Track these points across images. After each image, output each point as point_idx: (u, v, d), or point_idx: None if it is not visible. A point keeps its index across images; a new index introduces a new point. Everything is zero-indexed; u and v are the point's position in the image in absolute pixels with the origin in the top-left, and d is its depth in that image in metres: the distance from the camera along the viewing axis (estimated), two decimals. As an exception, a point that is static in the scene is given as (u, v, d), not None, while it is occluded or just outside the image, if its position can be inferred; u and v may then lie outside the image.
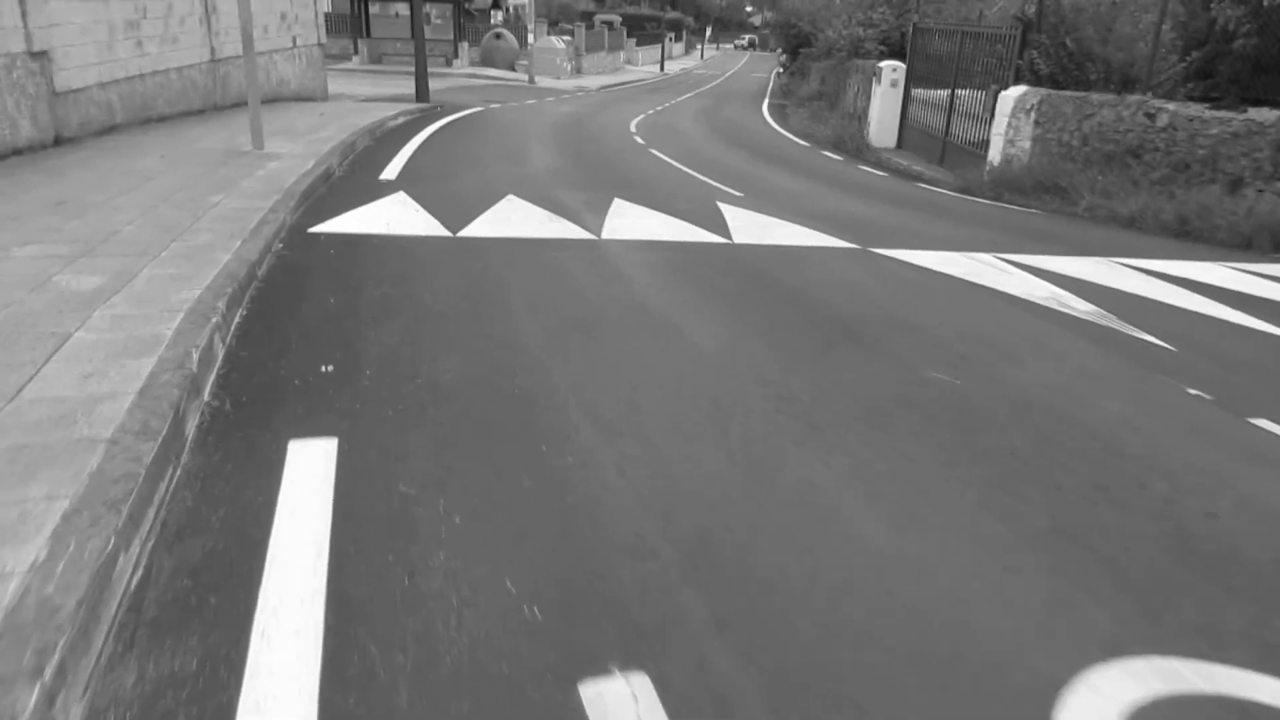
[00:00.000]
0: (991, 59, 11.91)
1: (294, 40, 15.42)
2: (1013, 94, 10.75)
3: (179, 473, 2.72)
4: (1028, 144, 10.57)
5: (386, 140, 11.57)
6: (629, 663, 2.03)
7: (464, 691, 1.91)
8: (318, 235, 5.94)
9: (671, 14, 64.90)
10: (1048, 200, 9.67)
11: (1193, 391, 3.99)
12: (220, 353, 3.66)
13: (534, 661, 2.02)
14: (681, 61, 57.93)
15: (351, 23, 31.00)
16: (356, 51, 30.35)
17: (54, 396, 2.80)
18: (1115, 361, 4.39)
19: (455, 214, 6.81)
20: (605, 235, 6.51)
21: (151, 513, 2.41)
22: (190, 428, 2.97)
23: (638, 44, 50.12)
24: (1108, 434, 3.47)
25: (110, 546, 2.05)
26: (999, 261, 6.46)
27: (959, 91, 12.76)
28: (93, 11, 8.72)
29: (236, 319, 4.11)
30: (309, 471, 2.79)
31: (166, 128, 10.01)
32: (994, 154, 11.07)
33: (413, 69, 18.05)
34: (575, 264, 5.61)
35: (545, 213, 7.20)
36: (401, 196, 7.46)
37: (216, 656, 1.96)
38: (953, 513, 2.81)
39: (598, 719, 1.86)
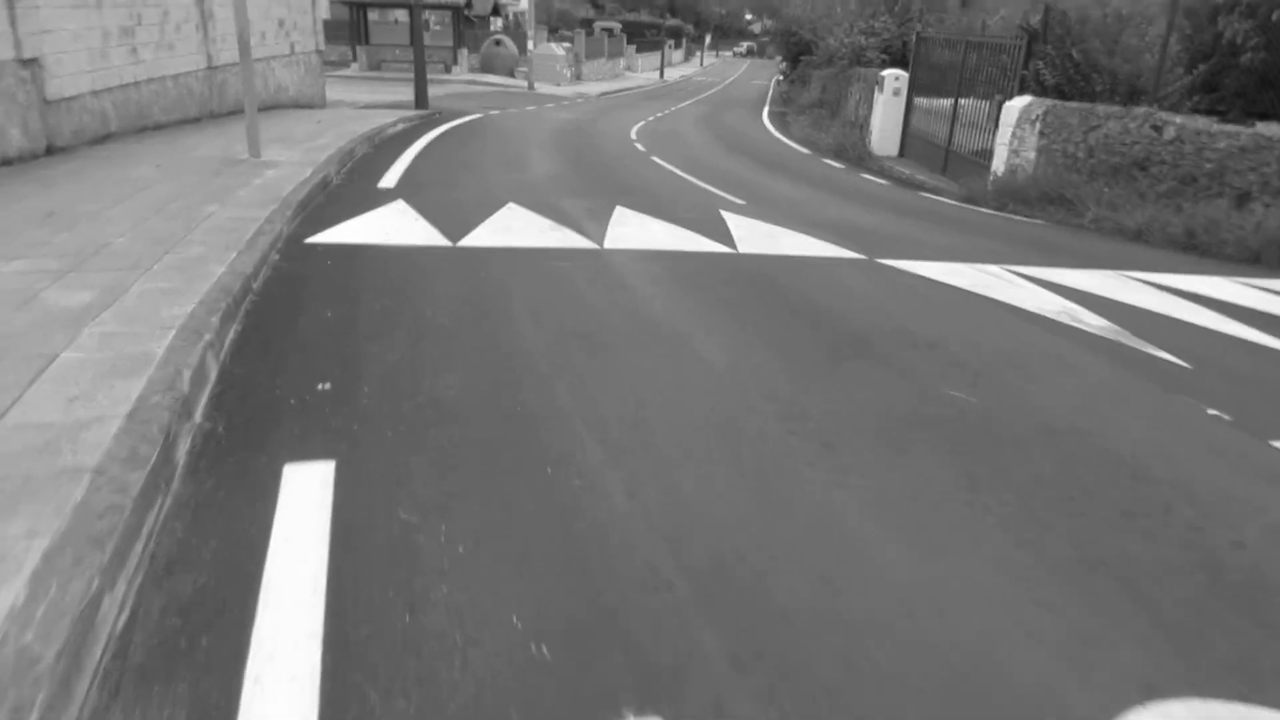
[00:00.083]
0: (995, 69, 11.84)
1: (292, 47, 15.33)
2: (1017, 104, 10.67)
3: (168, 501, 2.60)
4: (1032, 154, 10.49)
5: (385, 147, 11.47)
6: (644, 706, 1.93)
7: (469, 743, 1.80)
8: (315, 246, 5.83)
9: (671, 21, 64.98)
10: (1053, 211, 9.59)
11: (1212, 412, 3.88)
12: (213, 371, 3.54)
13: (544, 706, 1.91)
14: (681, 68, 58.01)
15: (350, 29, 30.94)
16: (355, 58, 30.30)
17: (38, 422, 2.68)
18: (1133, 380, 4.28)
19: (455, 222, 6.70)
20: (608, 245, 6.41)
21: (139, 546, 2.29)
22: (181, 452, 2.85)
23: (637, 51, 50.21)
24: (1130, 457, 3.36)
25: (94, 588, 1.93)
26: (1008, 273, 6.36)
27: (962, 101, 12.70)
28: (85, 18, 8.60)
29: (231, 335, 3.99)
30: (305, 498, 2.67)
31: (162, 136, 9.90)
32: (998, 164, 10.99)
33: (411, 76, 17.99)
34: (578, 274, 5.51)
35: (547, 221, 7.10)
36: (401, 205, 7.36)
37: (207, 705, 1.84)
38: (976, 540, 2.70)
39: (613, 772, 1.75)
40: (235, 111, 12.24)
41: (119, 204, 6.04)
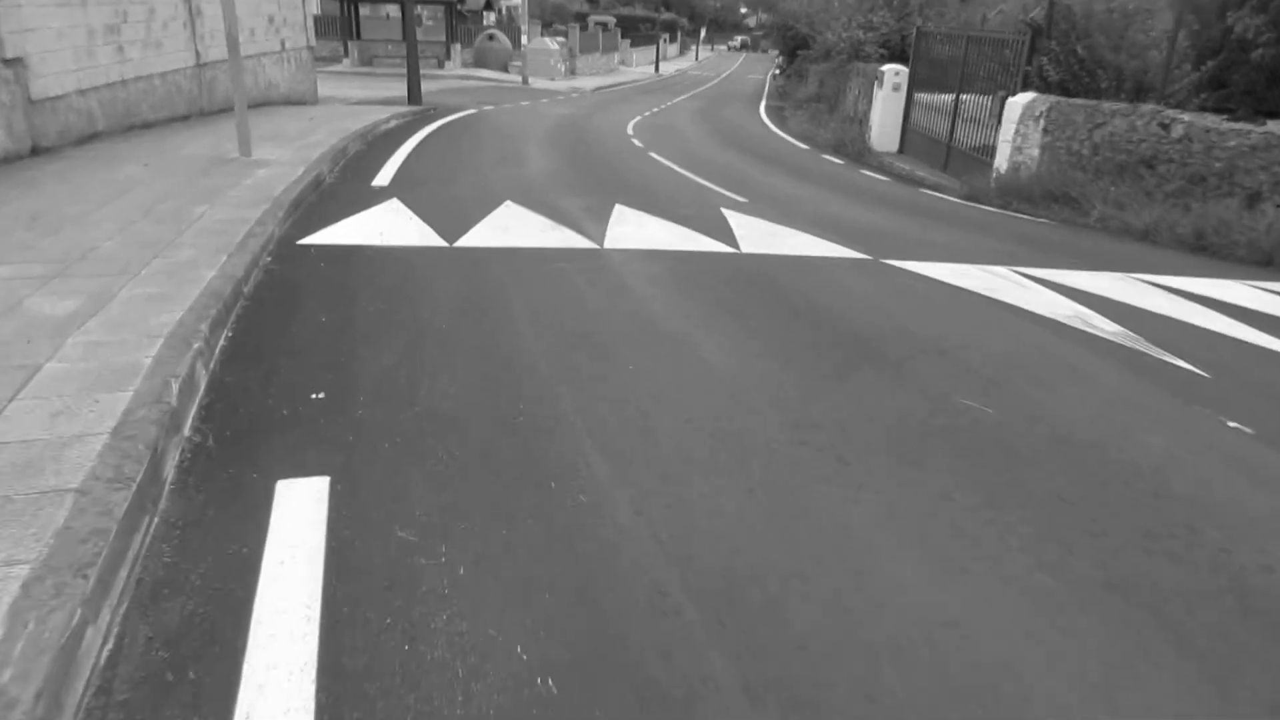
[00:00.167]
0: (998, 65, 11.74)
1: (282, 43, 15.15)
2: (1021, 100, 10.57)
3: (156, 522, 2.48)
4: (1036, 152, 10.38)
5: (379, 144, 11.33)
6: (655, 743, 1.83)
7: (474, 789, 1.70)
8: (308, 247, 5.70)
9: (666, 15, 64.66)
10: (1057, 210, 9.49)
11: (1232, 424, 3.78)
12: (203, 381, 3.42)
13: (551, 748, 1.81)
14: (676, 63, 57.81)
15: (341, 25, 30.67)
16: (347, 54, 30.04)
17: (19, 439, 2.56)
18: (1150, 390, 4.17)
19: (451, 222, 6.58)
20: (608, 244, 6.29)
21: (124, 572, 2.18)
22: (169, 469, 2.74)
23: (632, 45, 49.99)
24: (1151, 472, 3.26)
25: (76, 620, 1.82)
26: (1016, 275, 6.25)
27: (964, 97, 12.59)
28: (70, 16, 8.43)
29: (221, 342, 3.87)
30: (298, 516, 2.56)
31: (150, 135, 9.73)
32: (1001, 161, 10.89)
33: (404, 71, 17.81)
34: (578, 276, 5.39)
35: (545, 220, 6.98)
36: (395, 204, 7.23)
37: (194, 748, 1.74)
38: (996, 561, 2.60)
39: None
40: (225, 109, 12.09)
41: (106, 206, 5.90)
